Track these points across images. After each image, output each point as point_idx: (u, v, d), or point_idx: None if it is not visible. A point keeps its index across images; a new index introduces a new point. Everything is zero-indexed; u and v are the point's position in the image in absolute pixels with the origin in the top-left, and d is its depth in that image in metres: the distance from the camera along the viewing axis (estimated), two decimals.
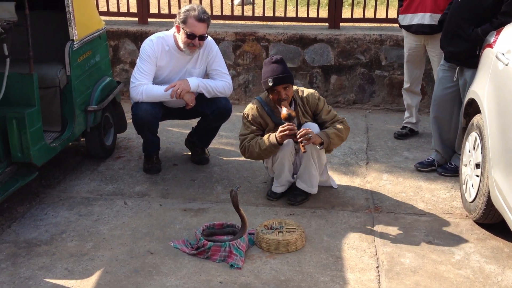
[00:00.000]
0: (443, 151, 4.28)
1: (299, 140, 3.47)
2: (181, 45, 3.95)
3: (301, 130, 3.49)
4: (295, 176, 3.81)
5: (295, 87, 3.74)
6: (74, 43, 3.93)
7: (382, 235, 3.40)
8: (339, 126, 3.65)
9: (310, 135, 3.47)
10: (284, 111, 3.53)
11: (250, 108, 3.74)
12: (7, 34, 3.31)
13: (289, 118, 3.52)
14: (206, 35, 3.95)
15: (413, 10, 4.61)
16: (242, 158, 4.52)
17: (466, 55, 3.81)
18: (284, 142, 3.58)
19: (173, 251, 3.22)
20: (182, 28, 3.90)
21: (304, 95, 3.72)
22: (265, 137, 3.62)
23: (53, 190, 3.97)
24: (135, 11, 6.32)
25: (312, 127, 3.60)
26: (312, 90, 3.77)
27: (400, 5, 4.81)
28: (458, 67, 3.93)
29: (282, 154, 3.66)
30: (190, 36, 3.87)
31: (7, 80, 3.41)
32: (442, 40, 4.05)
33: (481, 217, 3.40)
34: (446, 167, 4.22)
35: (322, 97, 3.78)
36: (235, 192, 3.24)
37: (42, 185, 4.04)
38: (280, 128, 3.53)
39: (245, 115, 3.75)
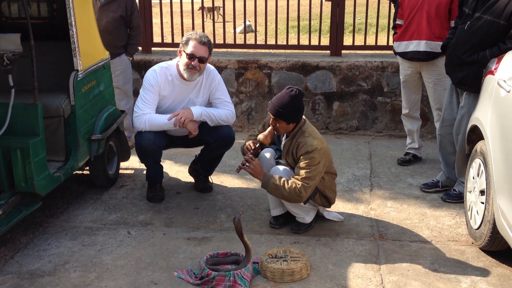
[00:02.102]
0: (448, 172, 4.29)
1: (243, 161, 3.64)
2: (181, 68, 3.99)
3: (249, 155, 3.64)
4: None
5: (307, 128, 3.62)
6: (79, 73, 3.96)
7: (388, 263, 3.37)
8: (289, 184, 3.48)
9: (250, 166, 3.59)
10: (260, 134, 3.71)
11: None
12: (12, 65, 3.35)
13: (257, 142, 3.71)
14: (206, 58, 3.99)
15: (408, 37, 4.65)
16: (246, 186, 4.52)
17: (472, 78, 3.81)
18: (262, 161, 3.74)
19: (177, 281, 3.19)
20: (184, 51, 3.96)
21: (300, 139, 3.56)
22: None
23: (57, 220, 3.96)
24: None
25: (277, 170, 3.63)
26: (311, 142, 3.51)
27: (394, 33, 4.87)
28: (465, 92, 3.93)
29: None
30: (190, 56, 3.92)
31: (12, 111, 3.44)
32: (448, 66, 4.06)
33: (487, 244, 3.37)
34: (450, 193, 4.21)
35: (313, 156, 3.48)
36: (238, 219, 3.23)
37: (46, 214, 4.03)
38: (248, 142, 3.75)
39: (267, 117, 3.82)
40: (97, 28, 4.35)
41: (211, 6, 7.03)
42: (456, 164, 4.13)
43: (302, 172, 3.50)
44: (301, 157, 3.54)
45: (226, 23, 6.40)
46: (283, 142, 3.72)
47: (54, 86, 4.14)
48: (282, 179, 3.53)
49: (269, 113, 3.61)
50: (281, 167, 3.67)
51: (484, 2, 3.77)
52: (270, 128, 3.65)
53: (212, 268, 3.19)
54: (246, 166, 3.61)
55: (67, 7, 3.83)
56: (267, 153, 3.75)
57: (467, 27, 3.85)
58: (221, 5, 6.44)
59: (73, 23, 3.86)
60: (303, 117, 3.67)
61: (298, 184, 3.48)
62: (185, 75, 4.00)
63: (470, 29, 3.82)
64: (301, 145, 3.55)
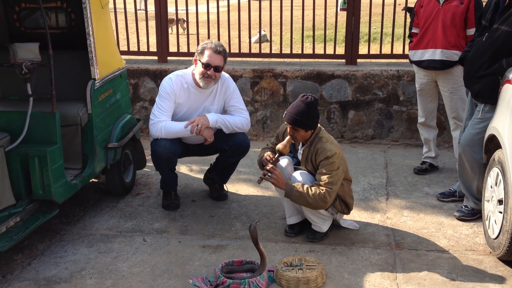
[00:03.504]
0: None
1: (264, 172, 3.60)
2: (197, 77, 4.02)
3: (269, 166, 3.58)
4: None
5: (324, 134, 3.65)
6: (96, 82, 4.00)
7: (404, 273, 3.34)
8: (313, 190, 3.47)
9: (272, 176, 3.56)
10: (279, 144, 3.66)
11: (284, 125, 3.80)
12: (30, 74, 3.39)
13: (276, 151, 3.65)
14: (222, 66, 4.01)
15: (423, 46, 4.63)
16: (261, 194, 4.52)
17: (488, 89, 3.76)
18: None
19: None
20: (199, 60, 3.99)
21: (319, 145, 3.58)
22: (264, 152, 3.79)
23: (73, 227, 3.99)
24: (155, 50, 6.45)
25: (297, 176, 3.62)
26: (330, 148, 3.54)
27: (410, 41, 4.85)
28: (483, 104, 3.88)
29: None
30: (206, 66, 3.94)
31: (30, 119, 3.48)
32: (466, 79, 4.00)
33: (505, 254, 3.33)
34: (463, 211, 4.11)
35: (333, 161, 3.51)
36: (254, 226, 3.23)
37: (62, 222, 4.06)
38: (266, 152, 3.72)
39: (279, 128, 3.88)
40: (114, 37, 4.40)
41: (174, 18, 7.06)
42: (464, 179, 4.04)
43: (324, 177, 3.51)
44: (321, 163, 3.55)
45: (241, 32, 6.43)
46: (300, 151, 3.72)
47: (71, 95, 4.20)
48: (305, 186, 3.52)
49: (286, 122, 3.61)
50: (300, 173, 3.66)
51: (502, 13, 3.74)
52: (288, 137, 3.63)
53: (227, 276, 3.19)
54: (268, 176, 3.58)
55: (85, 17, 3.88)
56: (284, 162, 3.74)
57: (485, 39, 3.81)
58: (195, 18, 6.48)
59: (91, 32, 3.91)
60: (318, 124, 3.68)
61: (322, 190, 3.48)
62: (201, 84, 4.03)
63: (488, 41, 3.78)
64: (320, 151, 3.57)
